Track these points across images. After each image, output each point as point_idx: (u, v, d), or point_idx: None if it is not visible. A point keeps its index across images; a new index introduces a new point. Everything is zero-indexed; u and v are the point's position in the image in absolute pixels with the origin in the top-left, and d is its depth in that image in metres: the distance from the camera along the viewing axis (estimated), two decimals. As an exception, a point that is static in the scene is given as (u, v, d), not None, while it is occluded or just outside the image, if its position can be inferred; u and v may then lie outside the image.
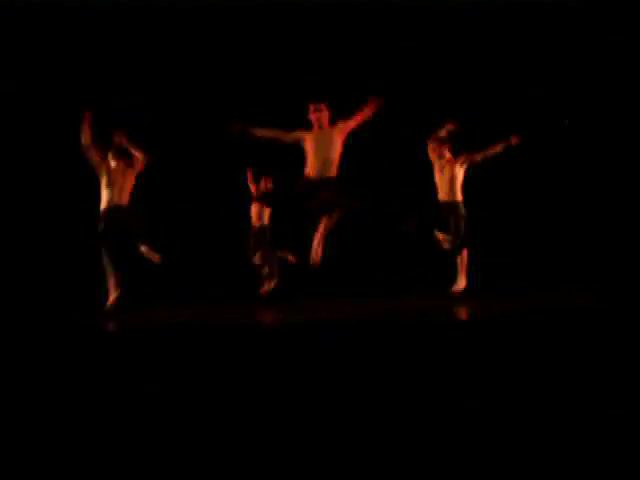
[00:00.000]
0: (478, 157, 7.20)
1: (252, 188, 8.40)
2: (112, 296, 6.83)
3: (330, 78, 8.81)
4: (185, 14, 8.56)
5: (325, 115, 6.29)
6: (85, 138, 6.82)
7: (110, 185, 6.88)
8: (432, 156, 7.28)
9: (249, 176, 8.42)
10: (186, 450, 3.21)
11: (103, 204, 6.93)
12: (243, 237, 8.53)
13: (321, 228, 5.94)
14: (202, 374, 3.81)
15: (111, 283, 6.86)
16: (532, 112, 8.85)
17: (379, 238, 8.59)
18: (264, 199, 7.63)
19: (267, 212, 8.46)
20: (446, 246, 7.11)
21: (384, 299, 6.88)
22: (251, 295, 8.22)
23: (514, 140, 6.95)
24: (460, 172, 7.25)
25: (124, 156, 6.99)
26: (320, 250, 5.92)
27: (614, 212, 8.77)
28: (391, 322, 5.40)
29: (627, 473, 2.89)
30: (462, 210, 7.18)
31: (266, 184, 8.24)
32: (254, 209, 8.36)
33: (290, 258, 8.36)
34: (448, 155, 7.28)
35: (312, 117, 6.21)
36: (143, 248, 6.86)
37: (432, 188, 7.45)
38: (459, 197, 7.24)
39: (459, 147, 7.69)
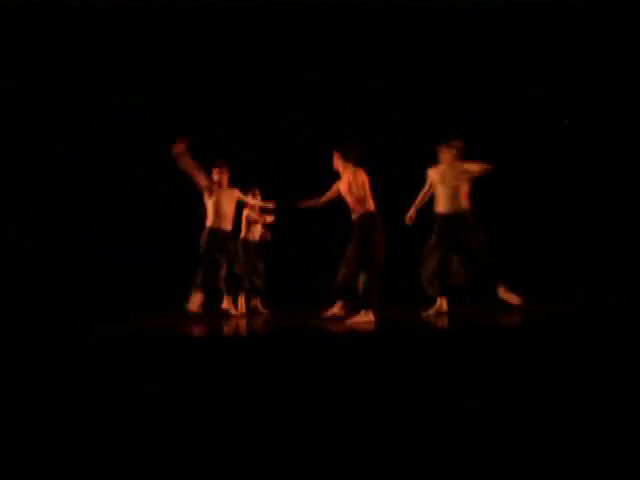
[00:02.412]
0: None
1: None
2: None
3: (330, 78, 8.84)
4: (185, 14, 8.56)
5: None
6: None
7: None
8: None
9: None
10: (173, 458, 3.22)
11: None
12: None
13: None
14: (190, 384, 3.81)
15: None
16: (532, 112, 8.85)
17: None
18: None
19: (259, 227, 8.11)
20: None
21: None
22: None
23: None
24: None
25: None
26: None
27: (615, 212, 8.76)
28: (398, 330, 5.40)
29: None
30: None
31: (254, 197, 7.88)
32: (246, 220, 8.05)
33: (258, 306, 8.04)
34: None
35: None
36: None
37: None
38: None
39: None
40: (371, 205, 5.96)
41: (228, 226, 7.31)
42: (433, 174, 6.51)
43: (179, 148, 6.75)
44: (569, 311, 5.84)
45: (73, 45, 8.57)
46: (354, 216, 5.98)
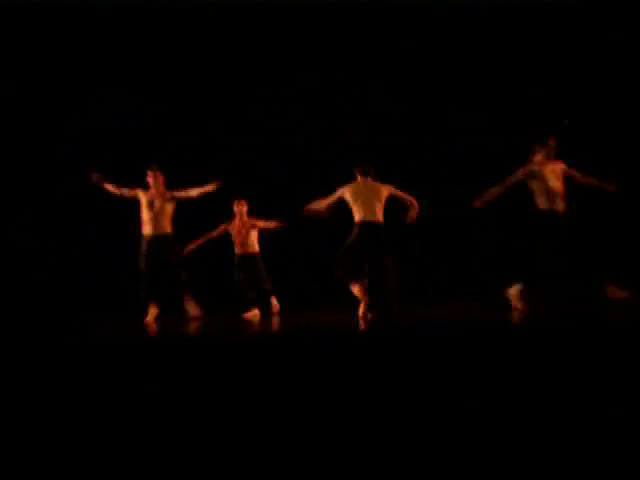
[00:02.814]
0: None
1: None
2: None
3: (330, 78, 8.84)
4: (185, 14, 8.57)
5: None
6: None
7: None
8: None
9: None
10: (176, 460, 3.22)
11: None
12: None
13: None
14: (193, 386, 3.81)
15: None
16: (532, 112, 8.85)
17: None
18: None
19: (254, 236, 7.67)
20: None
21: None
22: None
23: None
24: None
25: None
26: None
27: (615, 212, 8.76)
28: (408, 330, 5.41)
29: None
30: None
31: (240, 207, 7.59)
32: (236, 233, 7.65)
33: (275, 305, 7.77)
34: None
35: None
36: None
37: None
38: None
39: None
40: (355, 214, 6.29)
41: (167, 229, 7.16)
42: (525, 171, 6.47)
43: (93, 181, 7.11)
44: (569, 311, 5.84)
45: (73, 45, 8.58)
46: None
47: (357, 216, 6.25)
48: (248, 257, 7.65)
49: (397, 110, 8.82)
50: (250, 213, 7.68)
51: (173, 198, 7.20)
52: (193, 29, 8.66)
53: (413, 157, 8.51)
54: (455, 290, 8.29)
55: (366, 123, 8.71)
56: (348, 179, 6.51)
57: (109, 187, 7.19)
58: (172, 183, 8.67)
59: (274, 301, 7.81)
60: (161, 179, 7.22)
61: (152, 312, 6.98)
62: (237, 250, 7.68)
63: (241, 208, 7.62)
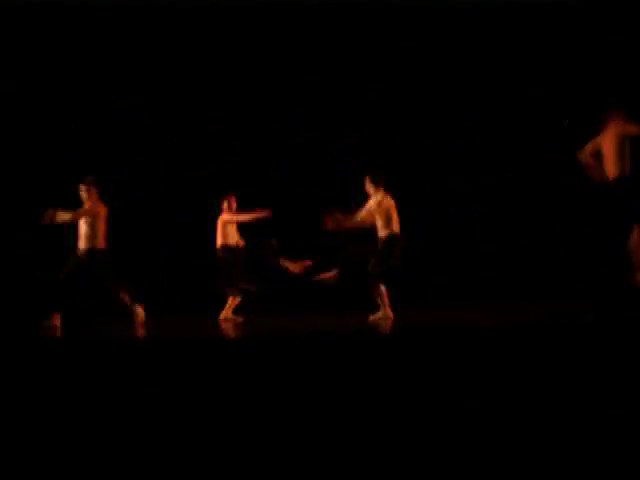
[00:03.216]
0: None
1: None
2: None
3: (330, 78, 8.84)
4: (185, 14, 8.57)
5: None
6: None
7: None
8: None
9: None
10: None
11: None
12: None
13: None
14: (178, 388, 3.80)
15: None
16: (532, 112, 8.85)
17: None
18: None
19: (234, 229, 7.54)
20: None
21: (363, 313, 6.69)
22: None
23: None
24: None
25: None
26: None
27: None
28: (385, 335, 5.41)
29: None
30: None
31: (230, 203, 7.44)
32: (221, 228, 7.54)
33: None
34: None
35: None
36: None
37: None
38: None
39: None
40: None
41: (100, 244, 6.94)
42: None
43: (47, 220, 6.81)
44: (569, 311, 5.84)
45: (73, 45, 8.58)
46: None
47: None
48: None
49: (397, 110, 8.82)
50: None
51: (103, 212, 6.95)
52: (193, 29, 8.66)
53: (413, 157, 8.51)
54: (455, 291, 8.28)
55: (366, 123, 8.71)
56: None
57: (66, 218, 6.91)
58: (172, 183, 8.71)
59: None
60: (94, 194, 6.92)
61: (56, 317, 6.86)
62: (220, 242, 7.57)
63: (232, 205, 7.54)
